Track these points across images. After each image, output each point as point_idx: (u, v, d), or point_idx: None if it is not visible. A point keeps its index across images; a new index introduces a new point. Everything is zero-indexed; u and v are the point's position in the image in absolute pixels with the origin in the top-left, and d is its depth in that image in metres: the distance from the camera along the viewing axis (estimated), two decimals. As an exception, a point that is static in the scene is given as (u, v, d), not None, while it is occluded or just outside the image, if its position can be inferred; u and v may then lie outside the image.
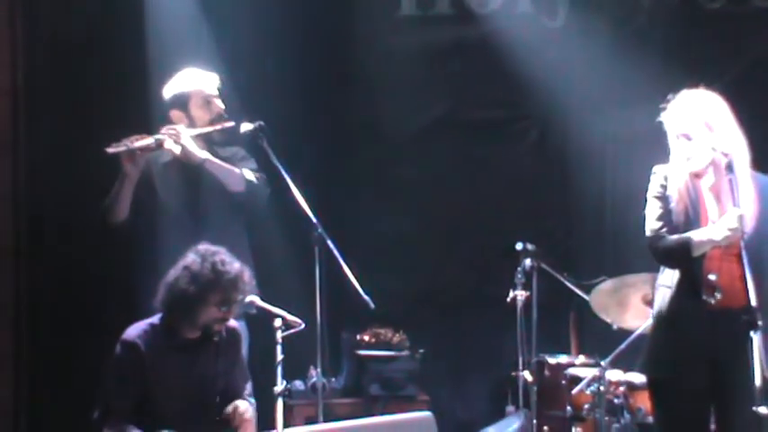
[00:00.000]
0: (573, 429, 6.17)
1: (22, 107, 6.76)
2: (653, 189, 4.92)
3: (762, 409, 4.54)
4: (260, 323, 5.29)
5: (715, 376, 4.78)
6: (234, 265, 5.11)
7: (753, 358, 4.52)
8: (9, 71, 6.73)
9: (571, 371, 6.31)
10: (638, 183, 5.02)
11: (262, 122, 5.74)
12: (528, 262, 6.14)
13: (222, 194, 5.84)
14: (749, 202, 4.79)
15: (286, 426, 4.86)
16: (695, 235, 4.80)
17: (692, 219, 4.85)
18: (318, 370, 5.74)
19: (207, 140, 5.88)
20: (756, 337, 4.54)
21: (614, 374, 6.13)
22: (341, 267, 5.46)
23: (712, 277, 4.79)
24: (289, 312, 5.06)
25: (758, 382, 4.52)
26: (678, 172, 4.90)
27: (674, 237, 4.84)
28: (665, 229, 4.86)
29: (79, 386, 5.68)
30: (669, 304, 4.94)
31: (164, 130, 5.84)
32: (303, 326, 5.07)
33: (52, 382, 6.47)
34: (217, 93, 5.92)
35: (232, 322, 5.25)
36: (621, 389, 6.13)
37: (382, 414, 6.06)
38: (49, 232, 6.72)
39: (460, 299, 6.97)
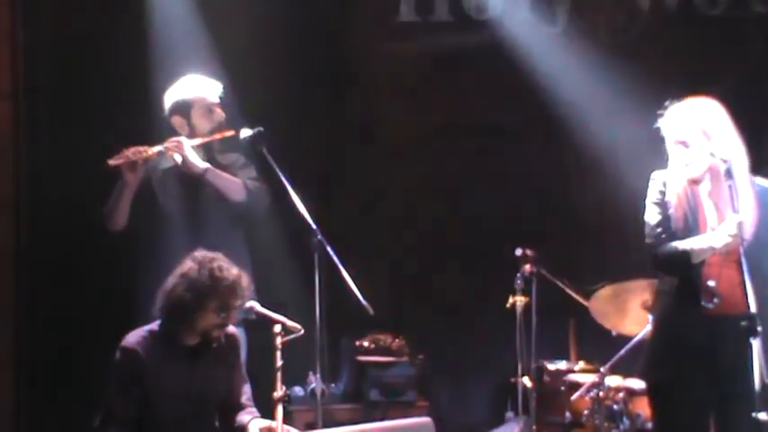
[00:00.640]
0: (572, 435, 6.17)
1: (23, 111, 6.78)
2: (651, 195, 4.93)
3: (762, 416, 4.56)
4: (259, 329, 5.29)
5: (714, 382, 4.78)
6: (232, 271, 5.10)
7: (752, 364, 4.54)
8: (10, 75, 6.75)
9: (570, 377, 6.32)
10: (638, 188, 5.03)
11: (261, 128, 5.76)
12: (527, 267, 6.15)
13: (222, 202, 5.86)
14: (748, 209, 4.80)
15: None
16: (695, 242, 4.81)
17: (691, 225, 4.85)
18: (318, 376, 5.75)
19: (207, 148, 5.90)
20: (756, 344, 4.55)
21: (613, 380, 6.14)
22: (340, 273, 5.47)
23: (711, 283, 4.80)
24: (288, 318, 5.04)
25: (758, 388, 4.55)
26: (676, 178, 4.90)
27: (674, 244, 4.84)
28: (664, 236, 4.86)
29: (78, 391, 5.68)
30: (668, 310, 4.95)
31: (166, 143, 5.86)
32: (302, 332, 5.04)
33: (52, 386, 6.48)
34: (218, 101, 5.94)
35: (231, 328, 5.24)
36: (621, 395, 6.13)
37: (382, 419, 6.09)
38: (49, 236, 6.73)
39: (460, 304, 6.98)
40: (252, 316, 5.22)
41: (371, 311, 5.53)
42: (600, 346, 6.32)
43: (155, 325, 5.14)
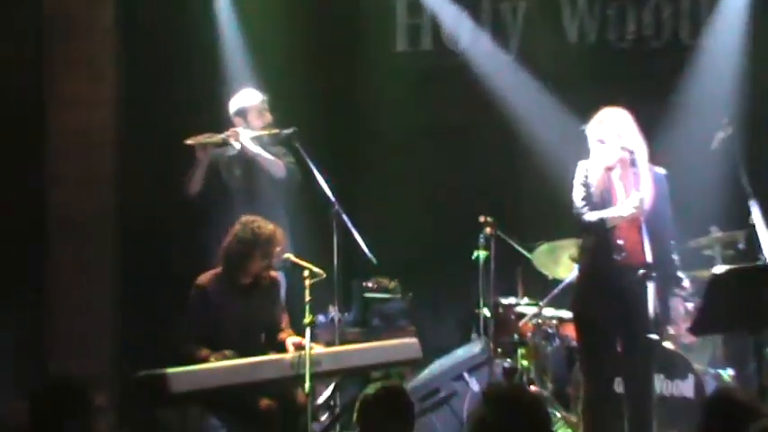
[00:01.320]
0: (518, 351, 6.14)
1: (122, 113, 6.73)
2: (578, 178, 4.94)
3: (653, 336, 4.64)
4: (294, 274, 5.33)
5: (621, 313, 4.80)
6: (268, 227, 5.12)
7: (648, 300, 4.61)
8: (112, 85, 6.69)
9: (518, 309, 6.31)
10: (567, 173, 5.04)
11: (296, 128, 5.81)
12: (488, 230, 6.09)
13: (269, 179, 5.90)
14: (647, 188, 4.82)
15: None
16: (608, 212, 4.83)
17: (606, 200, 4.87)
18: (335, 308, 5.82)
19: (260, 141, 5.94)
20: (651, 285, 4.62)
21: (549, 311, 6.16)
22: (352, 234, 5.52)
23: (620, 242, 4.81)
24: (314, 266, 5.10)
25: (651, 316, 4.61)
26: (596, 166, 4.92)
27: (594, 213, 4.86)
28: (587, 208, 4.88)
29: (164, 319, 5.70)
30: (589, 261, 4.97)
31: (227, 131, 5.90)
32: (324, 275, 5.11)
33: (145, 317, 6.46)
34: (267, 107, 5.98)
35: (273, 273, 5.30)
36: (554, 321, 6.15)
37: (381, 340, 6.09)
38: (140, 209, 6.70)
39: (439, 257, 6.92)
40: (288, 264, 5.26)
41: (374, 261, 5.60)
42: (539, 286, 6.30)
43: (219, 269, 5.21)
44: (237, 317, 5.10)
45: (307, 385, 4.68)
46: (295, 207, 6.07)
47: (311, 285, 4.99)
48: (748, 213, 4.93)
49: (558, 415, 5.75)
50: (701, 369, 5.69)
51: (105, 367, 6.34)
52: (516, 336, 6.19)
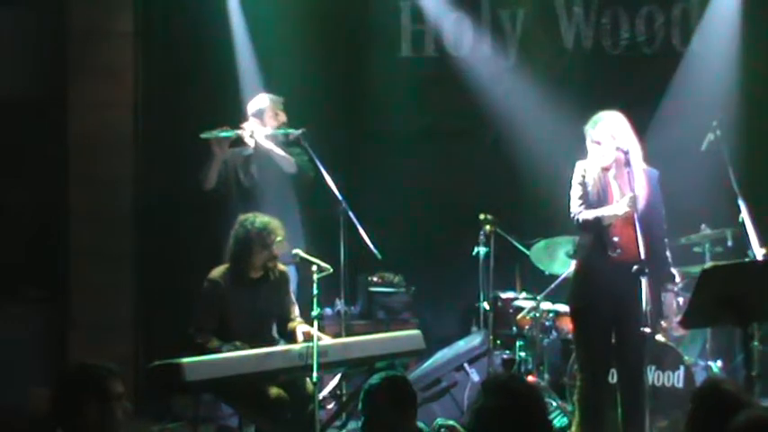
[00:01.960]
0: (516, 342, 6.12)
1: (140, 115, 6.72)
2: (575, 178, 4.93)
3: (646, 330, 4.60)
4: (303, 268, 5.31)
5: (616, 306, 4.79)
6: (261, 220, 5.10)
7: (641, 295, 4.58)
8: (131, 88, 6.69)
9: (516, 303, 6.28)
10: (563, 174, 5.02)
11: (305, 129, 5.77)
12: (488, 227, 6.09)
13: (282, 176, 5.86)
14: (641, 188, 4.82)
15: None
16: (604, 210, 4.83)
17: (602, 198, 4.87)
18: (342, 301, 5.79)
19: (274, 140, 5.91)
20: (644, 281, 4.59)
21: (546, 305, 6.12)
22: (358, 230, 5.49)
23: (615, 239, 4.81)
24: (322, 261, 5.08)
25: (644, 310, 4.58)
26: (592, 166, 4.92)
27: (590, 211, 4.85)
28: (583, 205, 4.87)
29: (181, 309, 5.68)
30: (585, 257, 4.97)
31: (241, 125, 5.87)
32: (331, 270, 5.10)
33: (164, 306, 6.47)
34: (282, 108, 5.96)
35: (282, 266, 5.27)
36: (551, 315, 6.12)
37: (386, 331, 6.08)
38: (159, 204, 6.71)
39: (441, 252, 6.92)
40: (298, 259, 5.23)
41: (379, 256, 5.56)
42: (537, 281, 6.28)
43: (229, 265, 5.18)
44: (248, 309, 5.09)
45: (314, 375, 4.69)
46: (305, 205, 6.04)
47: (319, 279, 4.97)
48: (738, 212, 4.91)
49: (555, 404, 5.75)
50: (691, 361, 5.69)
51: (124, 356, 6.32)
52: (515, 328, 6.18)
